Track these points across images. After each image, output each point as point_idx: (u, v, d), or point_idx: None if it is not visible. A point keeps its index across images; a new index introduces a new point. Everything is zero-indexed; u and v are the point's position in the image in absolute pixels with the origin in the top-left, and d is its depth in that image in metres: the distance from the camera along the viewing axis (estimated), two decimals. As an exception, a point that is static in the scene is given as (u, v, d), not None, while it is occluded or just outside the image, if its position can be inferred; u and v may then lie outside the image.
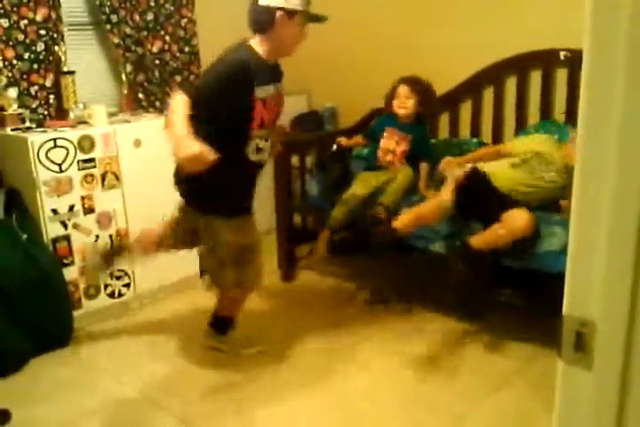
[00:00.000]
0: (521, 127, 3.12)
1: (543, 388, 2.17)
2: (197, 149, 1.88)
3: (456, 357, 2.48)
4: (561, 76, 3.00)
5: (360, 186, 2.86)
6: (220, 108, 2.10)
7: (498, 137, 3.22)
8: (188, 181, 2.18)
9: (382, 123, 3.02)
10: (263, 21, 2.13)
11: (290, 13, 2.13)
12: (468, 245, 2.32)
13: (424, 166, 2.87)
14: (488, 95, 3.26)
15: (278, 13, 2.10)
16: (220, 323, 2.55)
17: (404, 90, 2.88)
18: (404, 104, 2.88)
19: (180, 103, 2.00)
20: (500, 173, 2.51)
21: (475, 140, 3.25)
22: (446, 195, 2.46)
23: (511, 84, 3.16)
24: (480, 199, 2.47)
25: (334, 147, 3.09)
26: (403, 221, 2.43)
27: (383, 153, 2.93)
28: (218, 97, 2.07)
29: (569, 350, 0.71)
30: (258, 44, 2.18)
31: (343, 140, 3.09)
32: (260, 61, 2.17)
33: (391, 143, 2.91)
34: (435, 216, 2.43)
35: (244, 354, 2.52)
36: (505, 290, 2.79)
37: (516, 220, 2.27)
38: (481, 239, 2.32)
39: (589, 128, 0.67)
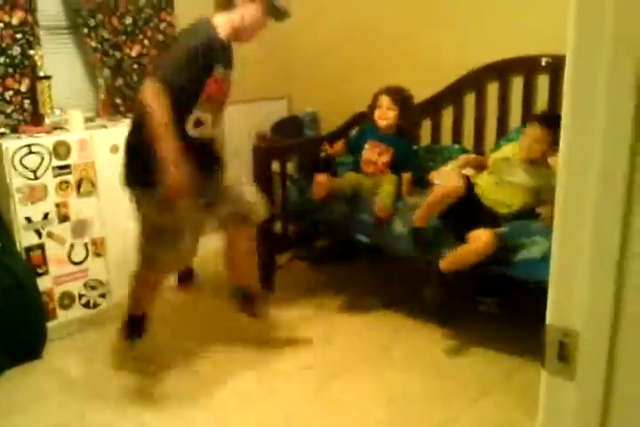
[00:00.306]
0: (502, 133, 3.12)
1: (526, 397, 2.15)
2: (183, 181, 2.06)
3: (436, 365, 2.45)
4: (542, 81, 3.01)
5: (349, 177, 2.92)
6: (178, 76, 2.11)
7: (479, 143, 3.22)
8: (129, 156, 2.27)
9: (363, 134, 3.01)
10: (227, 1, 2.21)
11: None
12: (437, 267, 2.42)
13: (406, 176, 2.87)
14: (469, 101, 3.26)
15: None
16: (129, 324, 2.48)
17: (385, 101, 2.87)
18: (385, 115, 2.88)
19: (158, 98, 2.04)
20: (486, 187, 2.57)
21: (456, 146, 3.25)
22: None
23: (493, 90, 3.16)
24: (464, 213, 2.48)
25: (323, 154, 3.12)
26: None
27: (365, 164, 2.93)
28: (180, 67, 2.12)
29: (552, 361, 0.71)
30: (220, 23, 2.21)
31: (329, 149, 3.11)
32: (220, 39, 2.20)
33: (373, 155, 2.91)
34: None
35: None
36: (485, 299, 2.78)
37: (478, 240, 2.33)
38: (448, 262, 2.40)
39: (572, 134, 0.67)
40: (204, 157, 2.31)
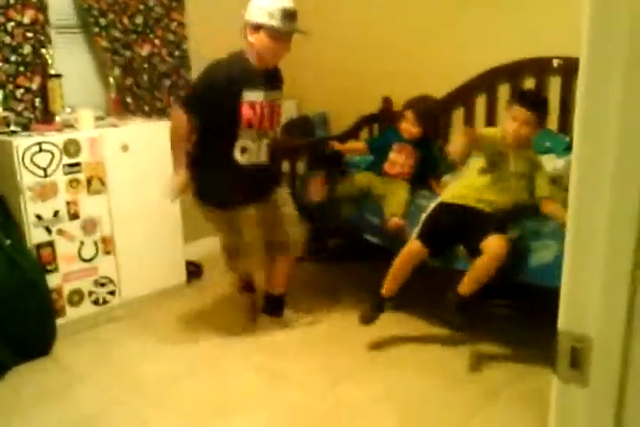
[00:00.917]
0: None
1: (536, 403, 2.13)
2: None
3: (446, 369, 2.44)
4: (554, 83, 2.99)
5: (359, 177, 2.96)
6: (208, 107, 2.36)
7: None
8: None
9: (389, 137, 3.03)
10: (243, 30, 2.39)
11: (254, 26, 2.34)
12: (457, 294, 2.33)
13: (434, 183, 2.95)
14: (480, 102, 3.24)
15: (245, 24, 2.35)
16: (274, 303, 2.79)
17: (410, 116, 2.89)
18: (409, 130, 2.91)
19: (178, 127, 2.43)
20: (469, 186, 2.49)
21: (467, 147, 3.23)
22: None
23: (504, 92, 3.15)
24: (456, 229, 2.43)
25: (328, 150, 3.12)
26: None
27: (390, 165, 2.94)
28: (203, 97, 2.37)
29: (564, 367, 0.70)
30: (247, 51, 2.42)
31: (336, 145, 3.11)
32: (248, 66, 2.39)
33: (400, 157, 2.93)
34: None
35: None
36: (497, 301, 2.76)
37: (491, 249, 2.25)
38: (468, 284, 2.32)
39: (586, 138, 0.66)
40: (258, 182, 2.53)
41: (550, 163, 2.71)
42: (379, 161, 3.00)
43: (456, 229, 2.43)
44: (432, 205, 2.54)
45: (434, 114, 3.01)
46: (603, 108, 0.62)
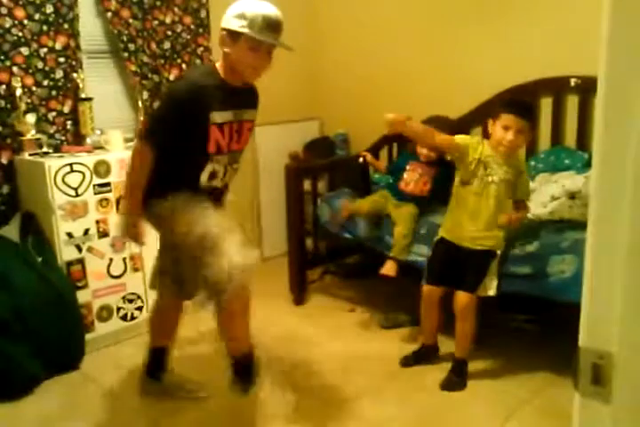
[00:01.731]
0: (532, 153, 3.14)
1: (554, 418, 2.14)
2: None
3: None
4: (571, 102, 3.02)
5: (376, 197, 3.00)
6: (172, 131, 2.00)
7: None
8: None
9: (405, 158, 3.05)
10: (219, 40, 2.06)
11: (232, 35, 1.99)
12: (459, 360, 2.46)
13: None
14: (499, 121, 3.28)
15: (222, 33, 2.02)
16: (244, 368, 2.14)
17: None
18: (428, 154, 2.90)
19: (143, 165, 2.02)
20: (459, 225, 2.45)
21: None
22: None
23: (522, 111, 3.18)
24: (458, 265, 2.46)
25: (360, 159, 3.19)
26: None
27: (405, 183, 2.96)
28: (167, 120, 2.01)
29: (586, 383, 0.70)
30: (220, 66, 2.08)
31: (368, 156, 3.19)
32: (219, 83, 2.04)
33: (414, 174, 2.95)
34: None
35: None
36: (516, 316, 2.77)
37: (461, 308, 2.39)
38: (462, 348, 2.46)
39: (605, 154, 0.66)
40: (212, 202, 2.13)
41: (569, 179, 2.74)
42: (395, 180, 3.04)
43: (457, 265, 2.45)
44: (434, 241, 2.57)
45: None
46: (621, 122, 0.63)
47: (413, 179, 2.96)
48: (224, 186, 2.21)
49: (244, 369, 2.10)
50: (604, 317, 0.68)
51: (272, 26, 1.98)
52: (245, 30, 1.96)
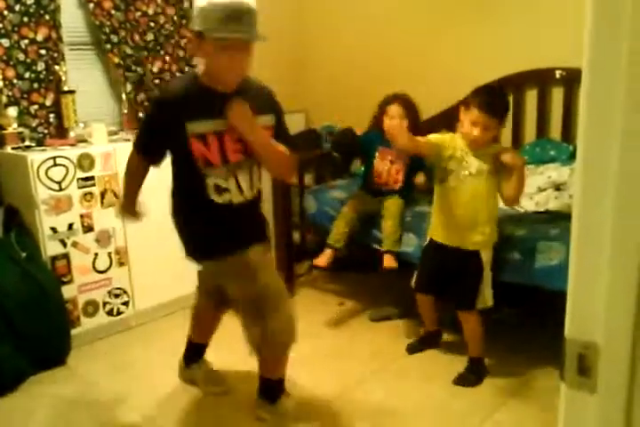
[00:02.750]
0: (517, 145, 3.15)
1: (543, 409, 2.17)
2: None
3: (451, 376, 2.45)
4: (557, 94, 3.04)
5: (356, 202, 2.90)
6: (154, 140, 1.95)
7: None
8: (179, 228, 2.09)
9: (372, 141, 2.92)
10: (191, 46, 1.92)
11: (197, 36, 1.80)
12: (474, 359, 2.46)
13: (420, 178, 2.91)
14: (485, 113, 3.29)
15: (191, 34, 1.90)
16: (269, 389, 2.17)
17: (397, 110, 2.78)
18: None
19: (131, 172, 2.08)
20: (449, 225, 2.41)
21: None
22: None
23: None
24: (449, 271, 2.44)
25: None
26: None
27: (377, 176, 2.91)
28: (146, 129, 1.99)
29: (572, 374, 0.70)
30: (201, 71, 1.93)
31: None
32: (200, 91, 1.87)
33: (385, 164, 2.90)
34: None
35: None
36: (504, 310, 2.79)
37: (467, 324, 2.42)
38: (476, 348, 2.45)
39: (589, 146, 0.66)
40: (242, 224, 2.01)
41: (555, 171, 2.75)
42: (367, 171, 2.98)
43: (449, 271, 2.43)
44: (424, 245, 2.54)
45: (418, 114, 2.86)
46: (605, 114, 0.63)
47: (385, 168, 2.90)
48: (252, 197, 2.03)
49: (270, 389, 2.16)
50: (589, 307, 0.68)
51: (234, 17, 1.72)
52: (206, 27, 1.74)
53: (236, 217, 1.99)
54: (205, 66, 1.88)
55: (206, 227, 1.99)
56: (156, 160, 2.00)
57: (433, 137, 2.38)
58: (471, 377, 2.43)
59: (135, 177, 2.08)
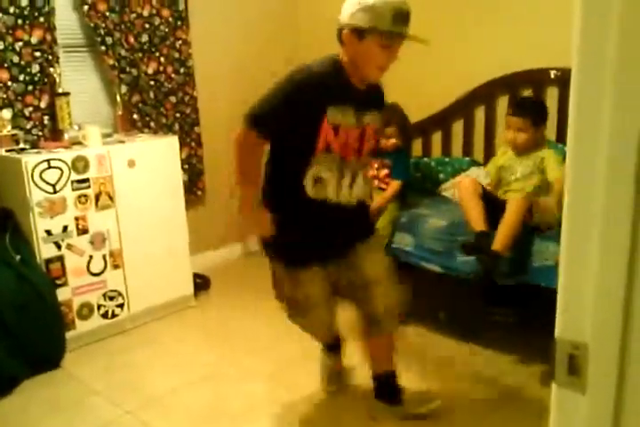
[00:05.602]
0: (513, 145, 3.15)
1: (537, 410, 2.16)
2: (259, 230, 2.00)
3: (449, 377, 2.45)
4: (551, 94, 3.04)
5: None
6: (276, 115, 1.84)
7: (490, 155, 3.24)
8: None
9: None
10: (338, 36, 1.88)
11: (357, 31, 1.81)
12: (493, 253, 2.35)
13: (394, 184, 2.87)
14: (480, 114, 3.29)
15: (344, 31, 1.83)
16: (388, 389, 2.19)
17: (390, 131, 2.86)
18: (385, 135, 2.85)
19: (243, 146, 1.87)
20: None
21: (467, 159, 3.28)
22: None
23: (503, 103, 3.19)
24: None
25: None
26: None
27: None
28: (279, 112, 1.83)
29: (562, 374, 0.70)
30: (344, 62, 1.89)
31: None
32: (342, 80, 1.88)
33: (372, 171, 2.90)
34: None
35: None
36: (498, 309, 2.79)
37: (514, 201, 2.40)
38: (501, 241, 2.36)
39: (579, 140, 0.67)
40: (334, 225, 1.98)
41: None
42: None
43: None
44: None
45: (406, 121, 2.95)
46: (594, 112, 0.64)
47: (372, 174, 2.87)
48: (355, 204, 2.00)
49: (386, 388, 2.19)
50: (579, 308, 0.68)
51: (403, 16, 1.80)
52: (376, 25, 1.77)
53: (326, 214, 1.96)
54: (354, 59, 1.86)
55: (304, 227, 1.98)
56: (268, 138, 1.89)
57: (491, 167, 2.71)
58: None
59: (255, 155, 1.89)
